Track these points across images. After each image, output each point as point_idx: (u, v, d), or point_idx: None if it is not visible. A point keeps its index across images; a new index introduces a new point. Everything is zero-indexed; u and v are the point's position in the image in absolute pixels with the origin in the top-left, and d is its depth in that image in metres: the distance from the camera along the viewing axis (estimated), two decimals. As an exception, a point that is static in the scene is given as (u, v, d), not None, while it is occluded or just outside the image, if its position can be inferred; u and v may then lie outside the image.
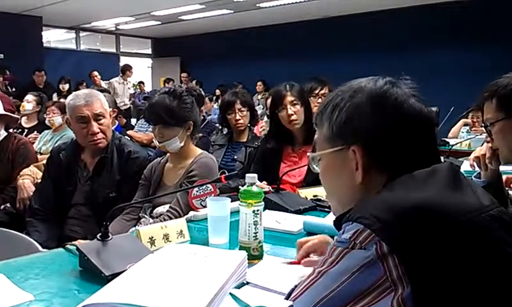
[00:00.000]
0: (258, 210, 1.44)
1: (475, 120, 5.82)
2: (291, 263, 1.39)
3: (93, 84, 9.75)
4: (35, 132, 4.75)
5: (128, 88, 10.16)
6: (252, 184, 1.46)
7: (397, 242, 0.81)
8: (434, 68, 8.58)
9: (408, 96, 0.98)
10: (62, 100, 6.05)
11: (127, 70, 10.23)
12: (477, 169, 1.86)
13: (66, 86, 9.36)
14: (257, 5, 9.81)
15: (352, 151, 0.97)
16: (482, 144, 3.41)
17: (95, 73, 10.16)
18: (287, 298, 0.97)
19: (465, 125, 5.66)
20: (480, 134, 4.28)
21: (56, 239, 2.29)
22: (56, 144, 3.92)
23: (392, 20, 9.70)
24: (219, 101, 9.01)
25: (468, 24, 8.80)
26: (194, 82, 11.24)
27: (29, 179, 2.77)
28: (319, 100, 3.66)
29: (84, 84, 9.90)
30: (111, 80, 10.12)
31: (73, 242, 1.74)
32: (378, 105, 0.97)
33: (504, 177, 1.94)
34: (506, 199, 1.80)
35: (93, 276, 1.30)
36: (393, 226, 0.83)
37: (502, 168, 1.84)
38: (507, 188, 2.00)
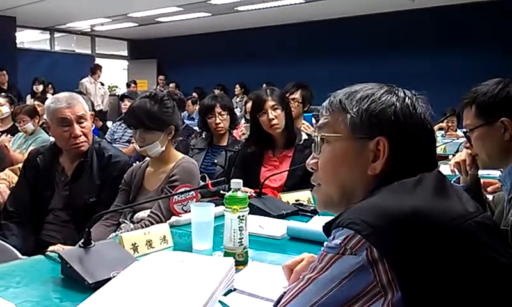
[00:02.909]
0: (243, 216, 1.44)
1: (450, 125, 5.95)
2: None
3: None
4: (8, 136, 4.65)
5: (99, 88, 9.97)
6: (237, 190, 1.46)
7: (388, 248, 0.82)
8: (410, 73, 8.72)
9: (427, 110, 1.03)
10: (36, 102, 5.95)
11: (97, 69, 10.07)
12: (457, 174, 1.90)
13: (40, 87, 9.21)
14: (235, 8, 9.80)
15: (377, 141, 0.98)
16: (457, 148, 3.50)
17: None
18: (276, 305, 0.97)
19: (440, 129, 5.77)
20: (457, 138, 4.37)
21: (32, 243, 2.25)
22: (30, 147, 3.86)
23: (370, 25, 9.80)
24: (196, 104, 8.98)
25: (445, 31, 8.96)
26: (171, 85, 11.16)
27: (4, 183, 2.72)
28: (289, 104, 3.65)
29: (50, 86, 9.74)
30: (82, 81, 9.92)
31: (53, 249, 1.72)
32: (411, 109, 1.00)
33: (481, 181, 1.98)
34: (484, 203, 1.84)
35: (76, 284, 1.29)
36: (384, 231, 0.83)
37: (479, 172, 1.88)
38: (484, 192, 2.04)
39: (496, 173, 2.47)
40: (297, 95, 3.77)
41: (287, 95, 3.67)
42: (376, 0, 8.93)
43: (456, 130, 5.85)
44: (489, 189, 2.32)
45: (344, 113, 1.02)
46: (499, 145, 1.58)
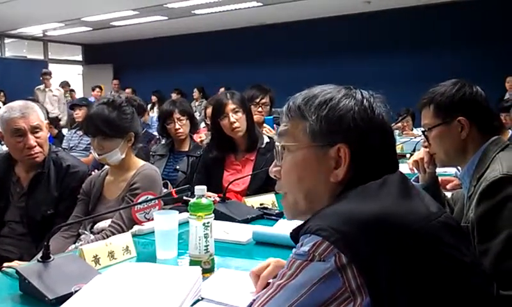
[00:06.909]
0: (208, 223, 1.42)
1: (405, 124, 6.11)
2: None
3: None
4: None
5: (53, 95, 9.64)
6: (201, 196, 1.43)
7: (356, 253, 0.82)
8: (365, 76, 8.89)
9: (385, 110, 1.03)
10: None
11: (45, 76, 9.72)
12: (416, 172, 1.94)
13: (-10, 94, 8.88)
14: (192, 12, 9.75)
15: (337, 149, 0.97)
16: (414, 147, 3.59)
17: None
18: (245, 313, 0.96)
19: (396, 129, 5.92)
20: (414, 137, 4.48)
21: None
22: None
23: (327, 28, 9.94)
24: (155, 108, 8.83)
25: (394, 34, 9.19)
26: (127, 90, 10.86)
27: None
28: (259, 109, 3.68)
29: (2, 93, 9.39)
30: (36, 89, 9.56)
31: (10, 264, 1.64)
32: (369, 112, 0.99)
33: (440, 179, 2.03)
34: (443, 201, 1.89)
35: (36, 301, 1.24)
36: (351, 237, 0.83)
37: (437, 170, 1.93)
38: (443, 190, 2.09)
39: (452, 170, 2.54)
40: (267, 99, 3.79)
41: (257, 100, 3.68)
42: (331, 4, 9.05)
43: (412, 129, 6.00)
44: (448, 187, 2.38)
45: (303, 121, 1.01)
46: (456, 143, 1.63)
